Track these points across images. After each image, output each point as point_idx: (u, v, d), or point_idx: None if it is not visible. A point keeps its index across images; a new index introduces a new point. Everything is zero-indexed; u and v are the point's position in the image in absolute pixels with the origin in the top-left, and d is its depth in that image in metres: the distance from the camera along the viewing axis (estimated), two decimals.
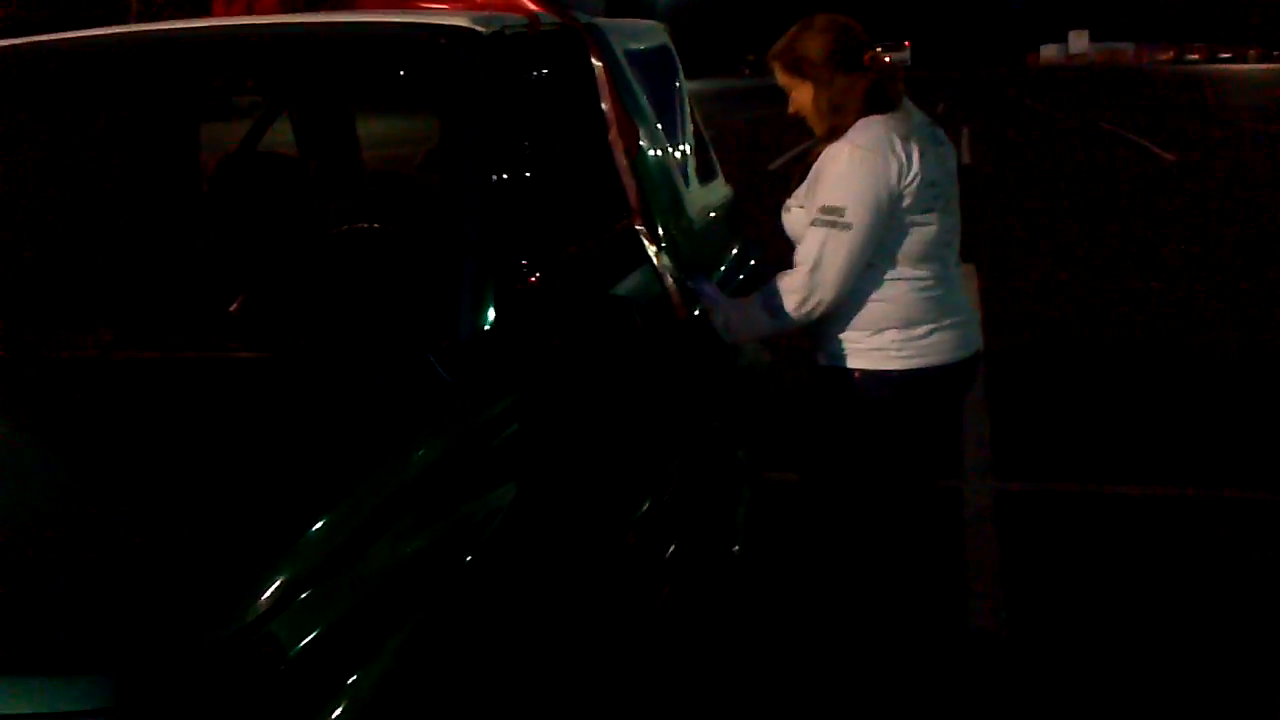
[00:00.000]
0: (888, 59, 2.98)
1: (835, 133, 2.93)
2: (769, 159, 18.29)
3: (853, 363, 3.03)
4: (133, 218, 3.25)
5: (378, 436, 2.04)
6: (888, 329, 2.98)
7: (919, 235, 2.93)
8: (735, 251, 4.26)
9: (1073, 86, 49.16)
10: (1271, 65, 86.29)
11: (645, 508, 3.01)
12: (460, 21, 2.71)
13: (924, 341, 2.99)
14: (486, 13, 2.82)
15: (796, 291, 2.95)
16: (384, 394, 2.19)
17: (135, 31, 3.50)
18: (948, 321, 3.01)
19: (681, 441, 3.40)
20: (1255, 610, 3.85)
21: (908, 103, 3.01)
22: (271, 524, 1.76)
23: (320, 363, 2.29)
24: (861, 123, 2.92)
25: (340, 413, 2.13)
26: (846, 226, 2.87)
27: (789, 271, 3.00)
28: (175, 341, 2.38)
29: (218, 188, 3.51)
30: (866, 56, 2.95)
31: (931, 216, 2.93)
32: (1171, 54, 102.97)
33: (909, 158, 2.87)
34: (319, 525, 1.79)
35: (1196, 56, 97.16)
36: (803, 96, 3.00)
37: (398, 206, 3.13)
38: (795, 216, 3.05)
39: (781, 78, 3.04)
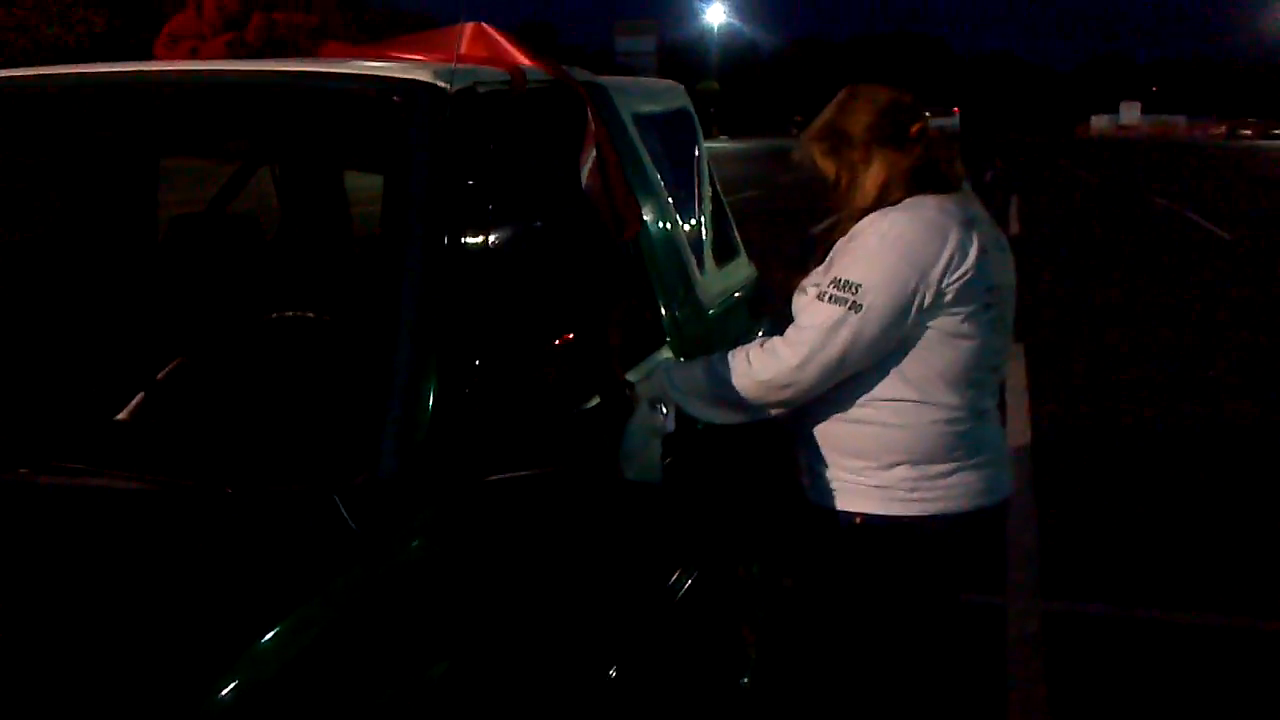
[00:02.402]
0: (937, 132, 2.45)
1: None
2: (812, 221, 17.81)
3: (850, 503, 2.49)
4: (53, 286, 2.80)
5: (238, 618, 1.53)
6: (900, 464, 2.42)
7: (959, 352, 2.37)
8: (760, 335, 3.79)
9: (1124, 158, 48.45)
10: None
11: (622, 657, 2.51)
12: (420, 75, 2.24)
13: (944, 482, 2.42)
14: (458, 65, 2.35)
15: (768, 367, 2.36)
16: (262, 553, 1.66)
17: (91, 73, 3.08)
18: (973, 460, 2.45)
19: (673, 567, 2.89)
20: None
21: (968, 187, 2.48)
22: None
23: (198, 502, 1.76)
24: (911, 200, 2.37)
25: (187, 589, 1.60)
26: (858, 308, 2.28)
27: (769, 339, 2.41)
28: (40, 456, 1.90)
29: (166, 254, 3.08)
30: (914, 128, 2.41)
31: (977, 329, 2.36)
32: (1224, 129, 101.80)
33: (964, 246, 2.30)
34: None
35: (1249, 133, 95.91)
36: (843, 181, 2.45)
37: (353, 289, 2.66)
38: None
39: (821, 162, 2.49)
